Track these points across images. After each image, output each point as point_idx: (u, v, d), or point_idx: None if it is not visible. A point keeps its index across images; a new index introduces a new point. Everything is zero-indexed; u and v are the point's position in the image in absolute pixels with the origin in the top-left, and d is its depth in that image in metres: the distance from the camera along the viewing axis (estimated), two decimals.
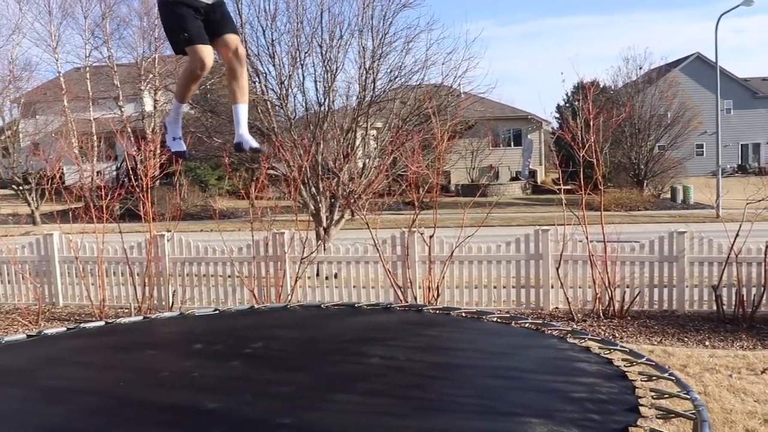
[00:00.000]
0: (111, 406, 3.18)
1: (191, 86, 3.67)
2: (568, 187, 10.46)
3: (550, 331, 4.66)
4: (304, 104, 11.97)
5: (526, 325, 5.34)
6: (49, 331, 5.06)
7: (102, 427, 2.93)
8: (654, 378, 3.39)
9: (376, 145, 12.19)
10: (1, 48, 31.88)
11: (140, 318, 5.93)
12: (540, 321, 5.67)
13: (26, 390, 3.54)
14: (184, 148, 3.92)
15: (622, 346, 3.90)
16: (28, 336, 4.96)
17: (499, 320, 5.50)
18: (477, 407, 3.02)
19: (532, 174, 37.21)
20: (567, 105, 38.30)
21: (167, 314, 6.34)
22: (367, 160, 11.42)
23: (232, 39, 3.58)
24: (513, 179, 35.93)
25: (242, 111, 3.69)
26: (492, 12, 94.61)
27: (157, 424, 2.91)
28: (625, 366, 3.52)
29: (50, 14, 31.47)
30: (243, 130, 3.67)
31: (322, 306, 5.82)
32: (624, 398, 3.03)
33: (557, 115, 40.35)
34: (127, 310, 9.20)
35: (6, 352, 4.36)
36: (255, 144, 3.75)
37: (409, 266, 8.74)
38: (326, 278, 9.21)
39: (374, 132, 13.08)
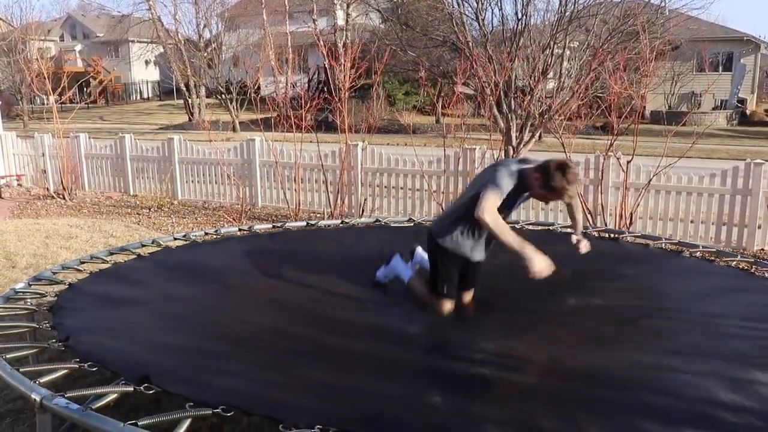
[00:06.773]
0: (325, 280, 3.45)
1: None
2: None
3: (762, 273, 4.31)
4: (500, 18, 11.55)
5: (734, 263, 4.97)
6: (258, 227, 5.45)
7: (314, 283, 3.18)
8: None
9: (572, 65, 11.59)
10: None
11: (338, 221, 6.23)
12: (751, 260, 5.26)
13: (254, 262, 3.89)
14: None
15: None
16: (240, 230, 5.38)
17: (704, 255, 5.16)
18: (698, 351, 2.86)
19: (741, 103, 33.76)
20: None
21: (364, 219, 6.60)
22: (564, 80, 10.91)
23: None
24: (716, 108, 32.86)
25: None
26: None
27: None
28: None
29: None
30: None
31: (516, 225, 5.78)
32: None
33: None
34: (319, 215, 9.68)
35: (226, 241, 4.79)
36: None
37: (602, 191, 8.39)
38: None
39: (568, 52, 12.43)
